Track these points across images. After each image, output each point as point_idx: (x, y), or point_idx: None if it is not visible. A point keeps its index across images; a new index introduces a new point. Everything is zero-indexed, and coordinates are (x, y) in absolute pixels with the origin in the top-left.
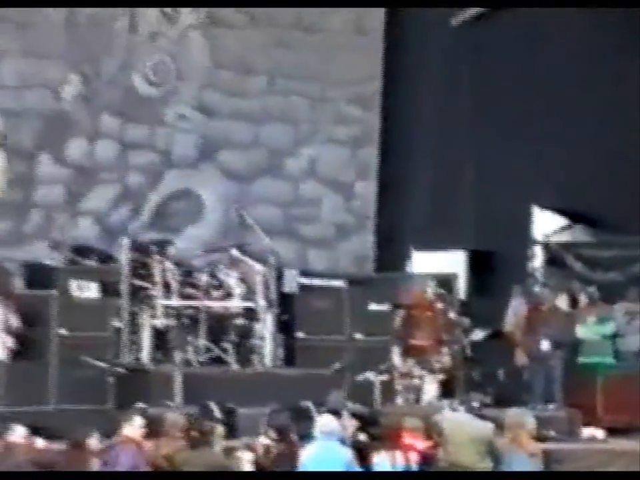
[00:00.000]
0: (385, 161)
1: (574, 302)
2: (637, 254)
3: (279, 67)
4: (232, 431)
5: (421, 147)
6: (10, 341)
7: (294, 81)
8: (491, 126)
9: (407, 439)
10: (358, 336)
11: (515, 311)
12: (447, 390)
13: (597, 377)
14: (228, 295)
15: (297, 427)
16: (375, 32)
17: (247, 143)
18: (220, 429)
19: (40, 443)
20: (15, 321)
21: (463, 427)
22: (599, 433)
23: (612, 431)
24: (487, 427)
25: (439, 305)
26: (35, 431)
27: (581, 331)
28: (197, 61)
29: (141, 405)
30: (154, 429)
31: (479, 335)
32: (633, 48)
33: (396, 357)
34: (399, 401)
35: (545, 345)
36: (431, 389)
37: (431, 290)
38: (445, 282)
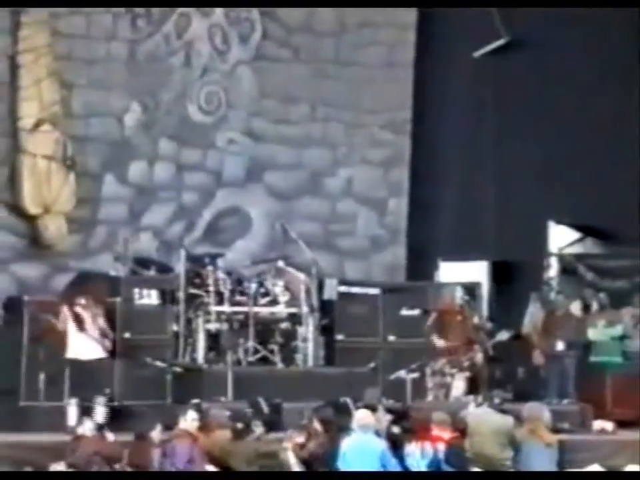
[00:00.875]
0: (415, 180)
1: (586, 307)
2: None
3: (319, 96)
4: (277, 424)
5: (448, 168)
6: (108, 343)
7: (332, 109)
8: (512, 149)
9: (435, 431)
10: (391, 338)
11: (532, 316)
12: (472, 387)
13: (606, 374)
14: (274, 302)
15: (337, 420)
16: (405, 65)
17: (290, 164)
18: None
19: (108, 435)
20: (105, 325)
21: (486, 421)
22: (609, 425)
23: (620, 424)
24: (508, 420)
25: (466, 311)
26: (102, 424)
27: (592, 333)
28: (246, 91)
29: (196, 400)
30: (207, 421)
31: (504, 335)
32: None
33: (430, 357)
34: (429, 397)
35: (560, 346)
36: (459, 385)
37: (459, 296)
38: (470, 290)
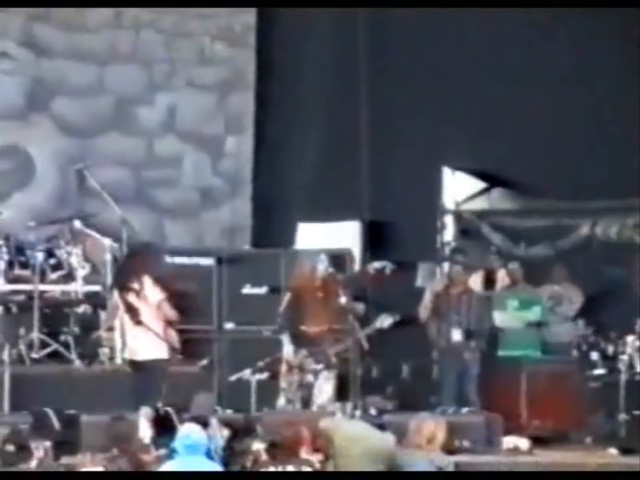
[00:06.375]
0: (262, 110)
1: (491, 282)
2: (568, 224)
3: None
4: (73, 444)
5: (309, 94)
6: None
7: (145, 10)
8: (393, 75)
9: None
10: (230, 326)
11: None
12: (341, 391)
13: (520, 374)
14: (68, 277)
15: (155, 438)
16: None
17: (89, 88)
18: None
19: None
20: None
21: (358, 439)
22: (523, 443)
23: (537, 440)
24: (387, 438)
25: (332, 286)
26: None
27: (500, 318)
28: None
29: None
30: None
31: (385, 320)
32: None
33: (287, 347)
34: (281, 402)
35: (457, 335)
36: (325, 388)
37: (322, 267)
38: (337, 259)
